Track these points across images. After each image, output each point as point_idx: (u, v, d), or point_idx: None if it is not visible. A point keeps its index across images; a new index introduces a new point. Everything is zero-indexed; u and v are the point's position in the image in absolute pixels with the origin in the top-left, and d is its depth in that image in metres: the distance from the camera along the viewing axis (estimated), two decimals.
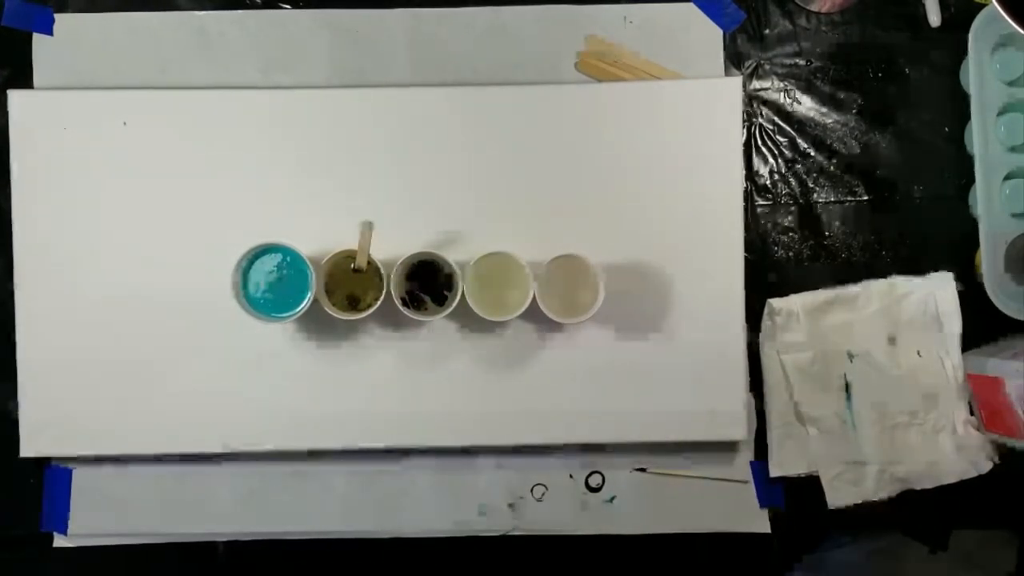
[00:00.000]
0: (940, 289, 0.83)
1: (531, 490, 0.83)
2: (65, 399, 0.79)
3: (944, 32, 0.84)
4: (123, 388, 0.79)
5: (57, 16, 0.81)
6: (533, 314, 0.76)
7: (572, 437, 0.80)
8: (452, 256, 0.75)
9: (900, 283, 0.84)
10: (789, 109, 0.85)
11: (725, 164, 0.81)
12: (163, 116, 0.80)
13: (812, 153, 0.85)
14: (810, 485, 0.83)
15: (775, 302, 0.83)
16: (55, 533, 0.82)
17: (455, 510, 0.82)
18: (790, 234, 0.85)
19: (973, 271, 0.84)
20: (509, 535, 0.83)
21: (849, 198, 0.85)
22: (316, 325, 0.79)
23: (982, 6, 0.82)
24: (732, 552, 0.83)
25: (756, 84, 0.85)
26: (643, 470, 0.83)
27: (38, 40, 0.81)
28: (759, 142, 0.85)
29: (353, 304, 0.76)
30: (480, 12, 0.83)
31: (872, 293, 0.84)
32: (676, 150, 0.81)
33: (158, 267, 0.79)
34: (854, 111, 0.85)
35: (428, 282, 0.77)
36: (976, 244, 0.82)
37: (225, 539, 0.82)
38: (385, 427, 0.80)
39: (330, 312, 0.75)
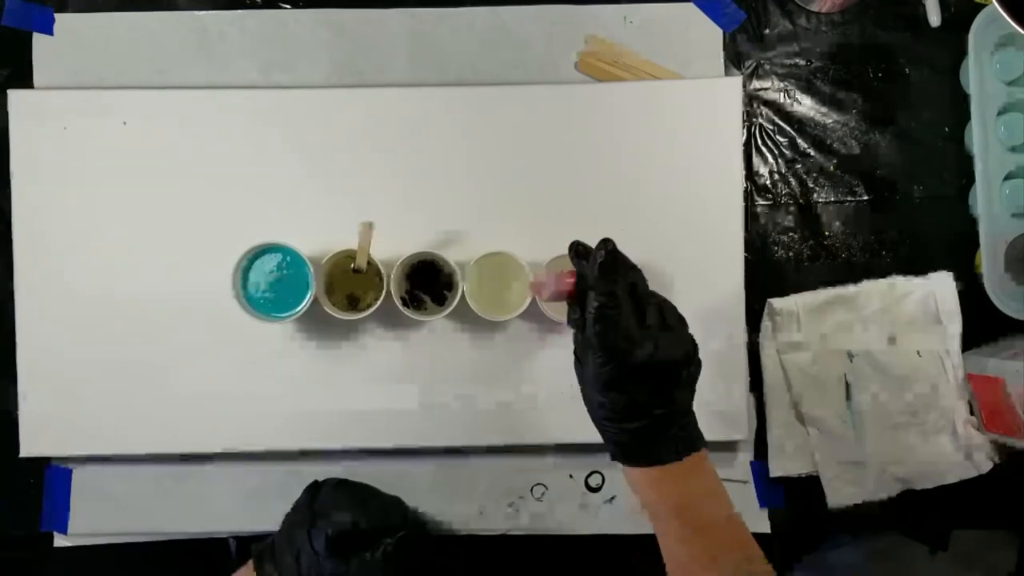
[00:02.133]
0: (940, 289, 0.83)
1: (531, 490, 0.83)
2: (65, 399, 0.79)
3: (944, 32, 0.84)
4: (123, 388, 0.79)
5: (57, 16, 0.81)
6: (533, 314, 0.76)
7: (572, 437, 0.80)
8: (452, 256, 0.75)
9: (900, 283, 0.84)
10: (789, 109, 0.85)
11: (725, 164, 0.81)
12: (163, 116, 0.80)
13: (812, 153, 0.85)
14: (810, 485, 0.83)
15: (775, 302, 0.83)
16: (55, 533, 0.82)
17: (455, 510, 0.82)
18: (790, 234, 0.85)
19: (973, 271, 0.84)
20: (509, 535, 0.83)
21: (849, 198, 0.85)
22: (316, 325, 0.79)
23: (982, 6, 0.82)
24: None
25: (756, 84, 0.85)
26: None
27: (38, 40, 0.81)
28: (759, 142, 0.85)
29: (353, 304, 0.76)
30: (480, 12, 0.83)
31: (872, 293, 0.84)
32: (676, 150, 0.81)
33: (158, 267, 0.79)
34: (854, 111, 0.85)
35: (428, 282, 0.77)
36: (976, 244, 0.82)
37: (224, 537, 0.82)
38: (385, 427, 0.80)
39: (330, 312, 0.75)
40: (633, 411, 0.60)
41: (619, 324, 0.60)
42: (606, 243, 0.63)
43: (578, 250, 0.65)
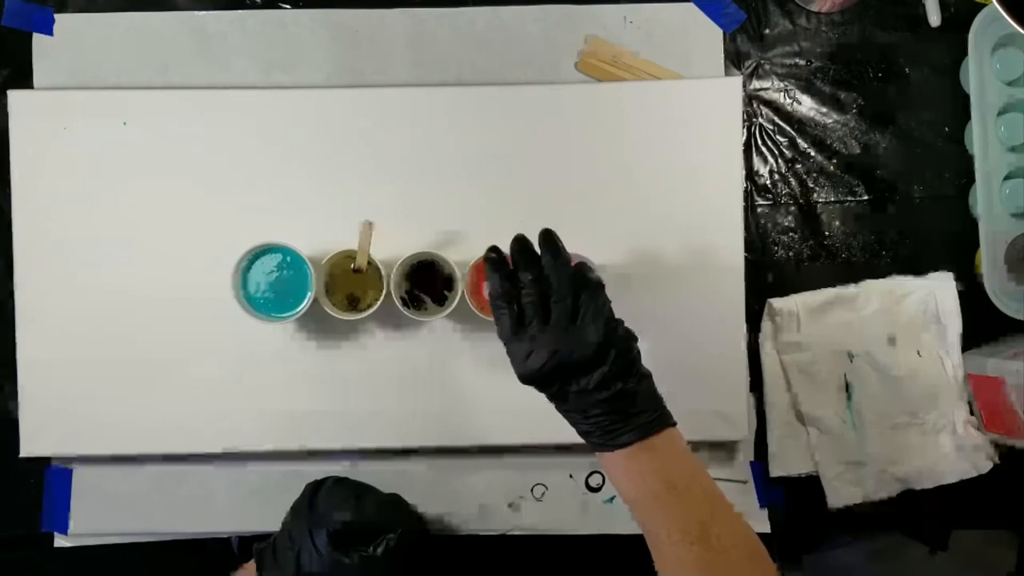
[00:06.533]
0: (940, 289, 0.83)
1: (531, 490, 0.83)
2: (65, 399, 0.79)
3: (944, 32, 0.84)
4: (123, 388, 0.79)
5: (57, 16, 0.81)
6: None
7: (572, 437, 0.80)
8: (452, 256, 0.75)
9: (900, 283, 0.84)
10: (789, 109, 0.85)
11: (725, 164, 0.81)
12: (163, 116, 0.80)
13: (812, 153, 0.85)
14: (810, 485, 0.83)
15: (775, 302, 0.83)
16: (56, 533, 0.82)
17: (455, 510, 0.82)
18: (790, 234, 0.85)
19: (973, 271, 0.84)
20: (509, 535, 0.83)
21: (849, 198, 0.85)
22: (316, 325, 0.79)
23: (982, 6, 0.82)
24: None
25: (756, 84, 0.85)
26: None
27: (38, 40, 0.81)
28: (759, 142, 0.85)
29: (353, 304, 0.76)
30: (480, 12, 0.83)
31: (872, 293, 0.84)
32: (676, 150, 0.81)
33: (158, 267, 0.79)
34: (854, 111, 0.85)
35: (428, 282, 0.77)
36: (976, 244, 0.82)
37: (224, 536, 0.82)
38: (385, 427, 0.80)
39: (330, 312, 0.75)
40: (557, 403, 0.63)
41: (503, 326, 0.63)
42: (493, 248, 0.65)
43: (520, 243, 0.66)
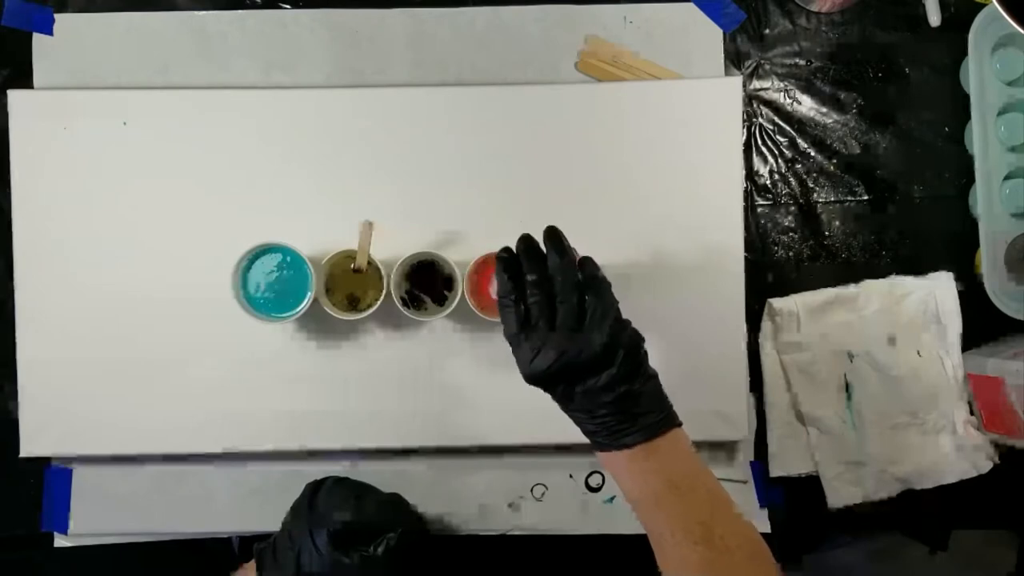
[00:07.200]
0: (940, 289, 0.83)
1: (531, 490, 0.83)
2: (65, 399, 0.79)
3: (944, 32, 0.84)
4: (123, 388, 0.79)
5: (57, 16, 0.81)
6: None
7: (572, 437, 0.80)
8: (452, 256, 0.75)
9: (900, 283, 0.84)
10: (789, 109, 0.85)
11: (725, 164, 0.81)
12: (163, 116, 0.80)
13: (812, 153, 0.85)
14: (810, 485, 0.83)
15: (775, 302, 0.83)
16: (56, 533, 0.82)
17: (455, 510, 0.82)
18: (790, 234, 0.85)
19: (973, 271, 0.84)
20: (509, 535, 0.83)
21: (849, 198, 0.85)
22: (316, 325, 0.79)
23: (982, 6, 0.82)
24: None
25: (756, 84, 0.85)
26: None
27: (38, 40, 0.81)
28: (759, 142, 0.85)
29: (353, 304, 0.76)
30: (480, 12, 0.83)
31: (872, 293, 0.84)
32: (676, 150, 0.81)
33: (158, 267, 0.79)
34: (854, 111, 0.85)
35: (428, 282, 0.77)
36: (976, 244, 0.83)
37: (224, 536, 0.82)
38: (385, 427, 0.80)
39: (330, 312, 0.75)
40: (562, 403, 0.63)
41: (509, 326, 0.62)
42: (505, 248, 0.65)
43: (526, 243, 0.66)
